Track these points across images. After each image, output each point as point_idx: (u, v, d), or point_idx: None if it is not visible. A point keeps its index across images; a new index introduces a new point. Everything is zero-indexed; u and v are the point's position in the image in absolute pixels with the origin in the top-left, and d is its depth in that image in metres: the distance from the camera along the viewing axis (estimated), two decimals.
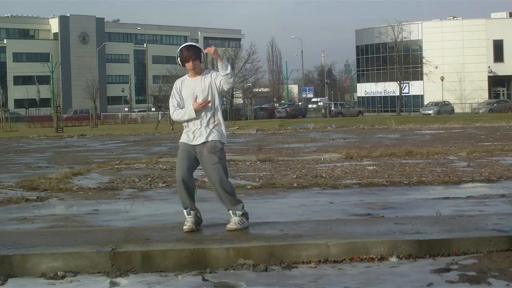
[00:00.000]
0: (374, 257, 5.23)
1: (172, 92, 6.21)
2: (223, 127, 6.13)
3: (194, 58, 6.04)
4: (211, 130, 6.05)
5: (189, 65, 6.06)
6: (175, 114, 6.13)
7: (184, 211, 6.05)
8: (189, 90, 6.08)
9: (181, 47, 6.12)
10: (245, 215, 6.08)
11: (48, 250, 5.27)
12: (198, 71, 6.12)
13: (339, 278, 4.77)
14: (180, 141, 6.19)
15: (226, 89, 6.09)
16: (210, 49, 5.99)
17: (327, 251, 5.24)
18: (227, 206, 6.07)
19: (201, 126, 6.05)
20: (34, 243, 5.55)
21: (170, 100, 6.19)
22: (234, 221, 5.99)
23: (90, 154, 18.99)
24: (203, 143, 6.01)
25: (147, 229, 6.20)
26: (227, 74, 5.94)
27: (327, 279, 4.76)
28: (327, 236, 5.50)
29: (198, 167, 6.26)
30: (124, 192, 9.59)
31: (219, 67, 5.95)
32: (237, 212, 6.01)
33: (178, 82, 6.21)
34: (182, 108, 6.12)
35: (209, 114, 6.07)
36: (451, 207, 7.43)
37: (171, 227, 6.24)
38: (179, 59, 6.10)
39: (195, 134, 6.06)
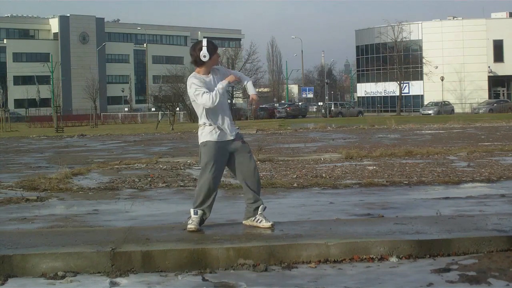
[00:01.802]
0: (374, 257, 5.23)
1: (194, 84, 5.92)
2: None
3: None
4: (234, 123, 6.21)
5: (216, 57, 6.05)
6: (212, 96, 5.86)
7: (192, 209, 6.00)
8: (211, 87, 6.00)
9: (207, 40, 6.02)
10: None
11: (48, 250, 5.27)
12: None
13: (339, 278, 4.77)
14: (209, 140, 5.98)
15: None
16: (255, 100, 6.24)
17: (327, 251, 5.24)
18: (259, 197, 6.12)
19: (230, 119, 6.16)
20: (34, 243, 5.55)
21: (196, 89, 5.88)
22: (264, 217, 6.06)
23: (90, 154, 18.99)
24: (236, 136, 6.12)
25: (147, 229, 6.20)
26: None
27: (327, 279, 4.76)
28: (327, 236, 5.50)
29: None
30: (124, 192, 9.59)
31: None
32: (262, 204, 6.11)
33: (198, 77, 6.00)
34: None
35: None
36: (451, 207, 7.42)
37: (171, 227, 6.24)
38: (208, 49, 5.94)
39: (229, 128, 6.05)
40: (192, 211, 6.01)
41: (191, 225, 5.92)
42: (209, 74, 6.08)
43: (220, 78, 6.07)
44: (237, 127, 6.27)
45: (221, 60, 49.12)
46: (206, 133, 6.03)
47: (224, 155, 6.04)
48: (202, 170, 6.06)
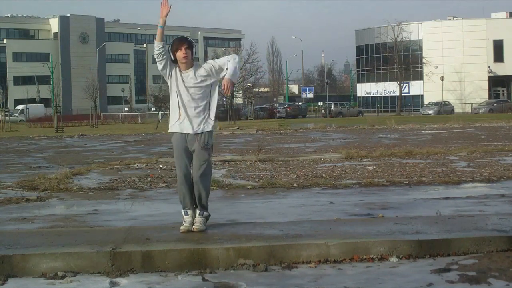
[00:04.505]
0: (374, 257, 5.23)
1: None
2: (213, 122, 6.01)
3: (186, 46, 5.96)
4: (205, 120, 5.95)
5: (181, 53, 5.94)
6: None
7: (182, 210, 6.02)
8: (180, 83, 5.96)
9: (172, 40, 6.06)
10: (208, 217, 6.09)
11: (48, 250, 5.27)
12: (189, 64, 5.99)
13: (339, 278, 4.77)
14: (171, 131, 5.99)
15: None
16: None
17: (327, 251, 5.24)
18: (200, 205, 5.99)
19: (195, 114, 5.92)
20: (34, 243, 5.55)
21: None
22: (201, 221, 5.96)
23: (90, 154, 18.99)
24: (196, 134, 5.91)
25: (147, 229, 6.20)
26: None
27: (327, 279, 4.76)
28: (327, 236, 5.50)
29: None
30: (124, 192, 9.59)
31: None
32: (204, 213, 6.02)
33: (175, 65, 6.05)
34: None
35: (202, 104, 5.96)
36: (451, 207, 7.42)
37: (171, 227, 6.24)
38: (170, 51, 6.01)
39: (188, 122, 5.90)
40: (182, 212, 6.04)
41: (183, 226, 5.92)
42: (190, 69, 5.99)
43: (200, 70, 5.98)
44: (205, 123, 5.93)
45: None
46: (172, 124, 5.98)
47: (187, 151, 5.95)
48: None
